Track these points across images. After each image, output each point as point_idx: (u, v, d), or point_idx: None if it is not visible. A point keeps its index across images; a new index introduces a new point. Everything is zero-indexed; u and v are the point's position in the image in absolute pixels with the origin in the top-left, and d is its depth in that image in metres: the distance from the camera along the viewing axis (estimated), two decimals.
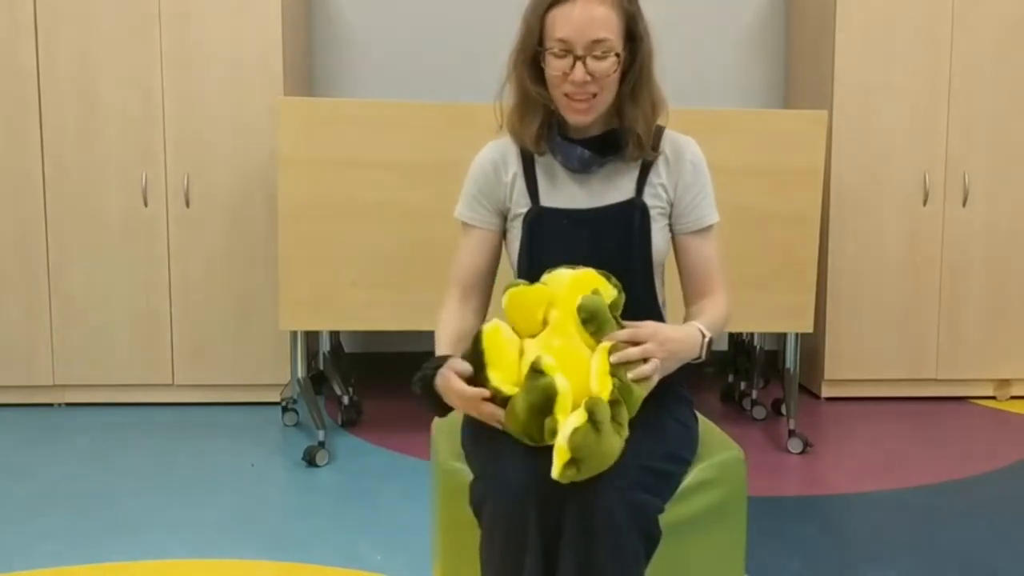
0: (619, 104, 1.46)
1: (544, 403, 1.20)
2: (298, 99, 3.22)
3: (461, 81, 3.78)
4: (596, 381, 1.23)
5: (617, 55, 1.40)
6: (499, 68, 1.53)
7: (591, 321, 1.27)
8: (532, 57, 1.45)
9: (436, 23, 3.87)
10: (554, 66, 1.41)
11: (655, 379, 1.27)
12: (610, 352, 1.25)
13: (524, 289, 1.32)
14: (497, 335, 1.29)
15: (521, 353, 1.29)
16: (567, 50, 1.39)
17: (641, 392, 1.25)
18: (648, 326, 1.31)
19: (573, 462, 1.16)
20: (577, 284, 1.31)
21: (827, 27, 3.51)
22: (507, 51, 1.51)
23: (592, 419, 1.16)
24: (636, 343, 1.27)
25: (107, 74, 3.24)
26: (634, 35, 1.43)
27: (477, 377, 1.28)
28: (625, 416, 1.22)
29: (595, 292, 1.30)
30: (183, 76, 3.25)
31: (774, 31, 4.01)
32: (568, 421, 1.17)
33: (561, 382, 1.21)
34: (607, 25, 1.39)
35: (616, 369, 1.23)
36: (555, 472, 1.16)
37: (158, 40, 3.24)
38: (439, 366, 1.35)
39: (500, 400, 1.26)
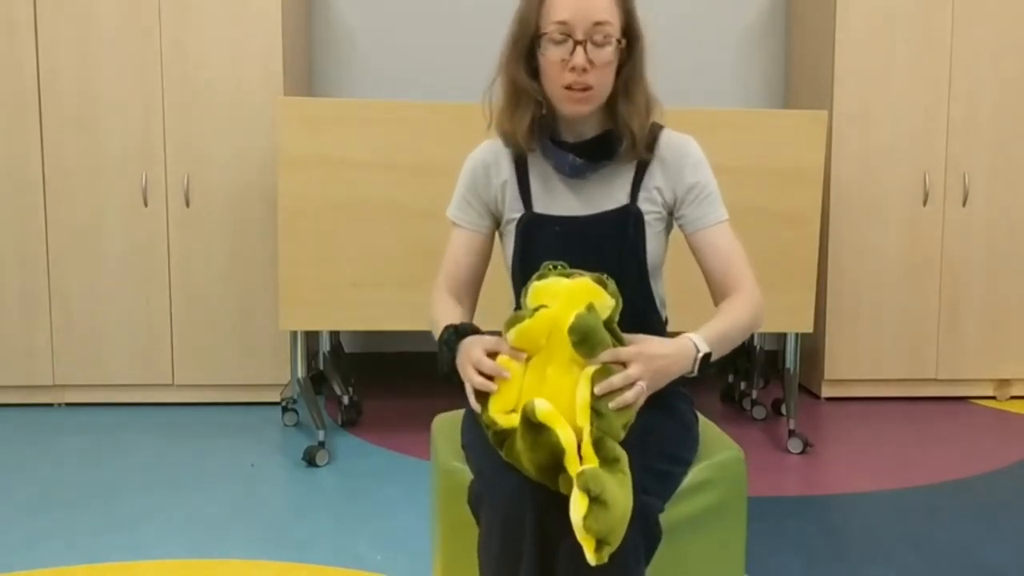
0: (612, 103, 1.44)
1: (552, 462, 1.18)
2: (298, 99, 3.23)
3: (461, 81, 3.75)
4: (578, 415, 1.20)
5: (618, 42, 1.39)
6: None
7: (583, 343, 1.23)
8: (528, 50, 1.42)
9: (436, 23, 3.87)
10: (553, 53, 1.38)
11: (640, 401, 1.24)
12: (594, 379, 1.21)
13: (528, 324, 1.26)
14: (509, 367, 1.27)
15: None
16: (567, 34, 1.36)
17: (625, 418, 1.22)
18: (633, 345, 1.27)
19: (601, 543, 1.13)
20: (572, 297, 1.27)
21: (827, 27, 3.51)
22: (508, 36, 1.48)
23: (593, 498, 1.12)
24: (621, 363, 1.23)
25: (107, 74, 3.24)
26: (630, 30, 1.42)
27: (482, 398, 1.28)
28: (613, 449, 1.19)
29: (590, 307, 1.25)
30: (183, 76, 3.25)
31: (774, 31, 4.01)
32: (572, 509, 1.13)
33: (564, 435, 1.17)
34: (608, 10, 1.38)
35: (598, 400, 1.20)
36: (591, 560, 1.13)
37: (158, 40, 3.24)
38: (474, 332, 1.36)
39: (495, 432, 1.25)
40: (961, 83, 3.47)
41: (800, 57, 3.84)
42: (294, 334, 3.02)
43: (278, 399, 3.39)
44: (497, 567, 1.24)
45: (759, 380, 3.46)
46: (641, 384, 1.23)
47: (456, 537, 1.41)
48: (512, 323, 1.28)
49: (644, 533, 1.23)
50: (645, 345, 1.28)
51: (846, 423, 3.31)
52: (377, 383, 3.79)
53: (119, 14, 3.22)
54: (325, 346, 3.46)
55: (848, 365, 3.57)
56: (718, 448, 1.49)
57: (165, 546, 2.17)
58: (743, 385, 3.52)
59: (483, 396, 1.27)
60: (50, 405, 3.41)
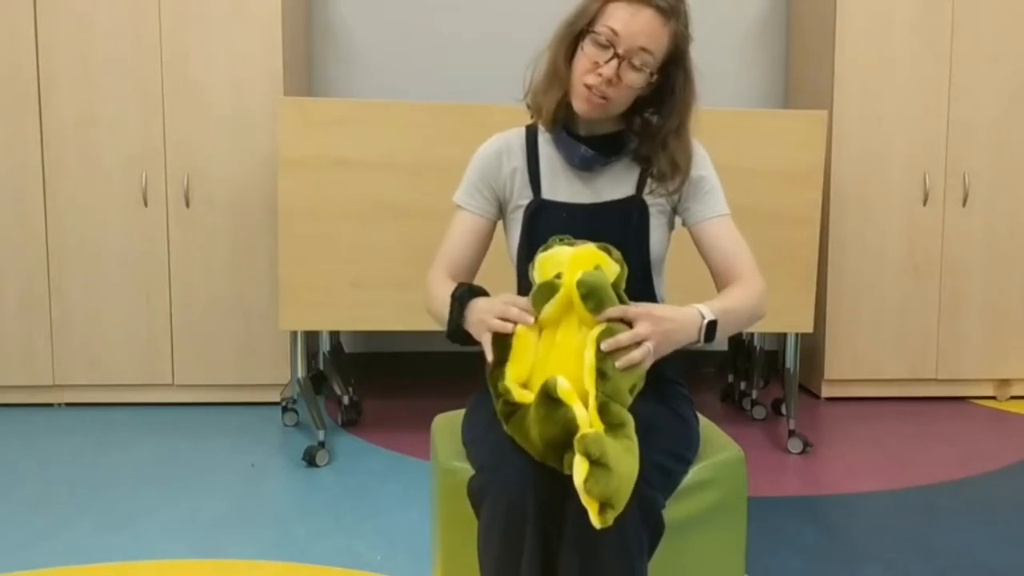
0: (663, 139, 1.47)
1: (562, 440, 1.18)
2: (298, 99, 3.22)
3: (461, 81, 3.78)
4: (585, 377, 1.20)
5: (651, 74, 1.42)
6: (500, 68, 1.53)
7: (590, 297, 1.23)
8: (574, 38, 1.45)
9: (436, 24, 3.87)
10: (591, 53, 1.42)
11: (648, 362, 1.24)
12: (599, 339, 1.21)
13: (562, 295, 1.26)
14: (527, 336, 1.27)
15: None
16: (611, 43, 1.40)
17: (632, 379, 1.22)
18: (641, 305, 1.28)
19: (604, 506, 1.13)
20: (579, 261, 1.28)
21: (827, 27, 3.51)
22: (506, 52, 1.52)
23: (593, 461, 1.13)
24: (628, 322, 1.24)
25: (107, 74, 3.24)
26: (675, 69, 1.45)
27: (497, 368, 1.27)
28: (619, 414, 1.19)
29: (597, 267, 1.27)
30: (183, 76, 3.25)
31: (774, 31, 4.01)
32: (574, 473, 1.14)
33: (580, 414, 1.17)
34: (658, 42, 1.41)
35: (604, 361, 1.20)
36: (596, 523, 1.13)
37: (158, 40, 3.24)
38: (485, 295, 1.38)
39: (506, 402, 1.25)
40: (961, 83, 3.47)
41: (800, 57, 3.84)
42: (294, 334, 3.01)
43: (278, 399, 3.39)
44: (499, 557, 1.23)
45: (759, 380, 3.46)
46: (648, 344, 1.23)
47: (456, 537, 1.41)
48: (542, 298, 1.27)
49: (647, 523, 1.23)
50: (652, 307, 1.29)
51: (846, 423, 3.31)
52: (377, 383, 3.80)
53: (119, 14, 3.22)
54: (325, 346, 3.46)
55: (848, 365, 3.58)
56: (718, 448, 1.49)
57: (165, 546, 2.17)
58: (743, 385, 3.52)
59: (499, 363, 1.27)
60: (50, 405, 3.41)
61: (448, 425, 1.59)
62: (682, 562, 1.40)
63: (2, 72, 3.22)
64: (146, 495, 2.51)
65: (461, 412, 1.56)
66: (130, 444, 2.97)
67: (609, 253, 1.30)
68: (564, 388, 1.18)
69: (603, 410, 1.18)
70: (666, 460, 1.34)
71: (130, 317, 3.34)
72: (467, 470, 1.37)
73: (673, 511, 1.33)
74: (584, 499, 1.13)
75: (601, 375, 1.20)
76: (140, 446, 2.95)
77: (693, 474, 1.41)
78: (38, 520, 2.32)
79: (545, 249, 1.34)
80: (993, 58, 3.47)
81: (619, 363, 1.20)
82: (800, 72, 3.84)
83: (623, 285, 1.30)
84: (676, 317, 1.30)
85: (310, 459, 2.77)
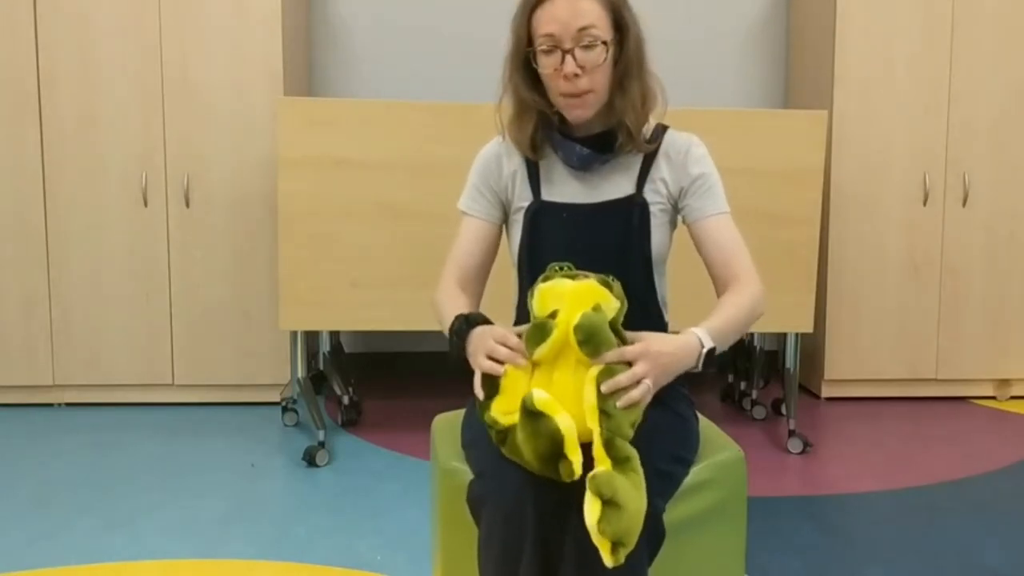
0: (610, 97, 1.46)
1: (553, 450, 1.18)
2: (298, 99, 3.22)
3: (461, 81, 3.78)
4: (587, 417, 1.20)
5: (604, 43, 1.41)
6: (499, 68, 1.53)
7: (588, 342, 1.22)
8: (524, 62, 1.46)
9: (436, 23, 3.87)
10: (545, 64, 1.42)
11: (647, 399, 1.24)
12: (598, 379, 1.21)
13: (557, 336, 1.24)
14: (517, 375, 1.26)
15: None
16: (555, 45, 1.40)
17: (634, 416, 1.22)
18: (639, 343, 1.26)
19: (616, 545, 1.13)
20: (579, 299, 1.26)
21: (827, 27, 3.51)
22: (506, 50, 1.51)
23: (605, 500, 1.13)
24: (627, 362, 1.23)
25: (107, 74, 3.24)
26: (621, 25, 1.44)
27: (486, 401, 1.27)
28: (623, 448, 1.19)
29: (596, 308, 1.25)
30: (183, 76, 3.26)
31: (774, 31, 4.01)
32: (586, 513, 1.13)
33: (564, 422, 1.18)
34: (591, 14, 1.40)
35: (605, 401, 1.20)
36: (608, 562, 1.13)
37: (158, 40, 3.24)
38: (484, 322, 1.37)
39: (497, 431, 1.25)
40: (961, 83, 3.47)
41: (800, 57, 3.84)
42: (294, 334, 3.02)
43: (278, 399, 3.39)
44: (497, 566, 1.23)
45: (759, 380, 3.46)
46: (647, 382, 1.23)
47: (456, 537, 1.41)
48: (537, 339, 1.25)
49: (649, 533, 1.23)
50: (650, 343, 1.27)
51: (846, 423, 3.31)
52: (377, 383, 3.80)
53: (119, 14, 3.22)
54: (325, 346, 3.46)
55: (848, 365, 3.58)
56: (718, 448, 1.49)
57: (165, 546, 2.17)
58: (743, 385, 3.52)
59: (488, 398, 1.27)
60: (50, 405, 3.41)
61: (448, 425, 1.59)
62: (682, 562, 1.40)
63: (2, 72, 3.22)
64: (146, 495, 2.51)
65: (461, 412, 1.56)
66: (130, 444, 2.97)
67: (610, 288, 1.28)
68: (541, 399, 1.18)
69: (609, 446, 1.18)
70: (667, 464, 1.34)
71: (130, 317, 3.34)
72: (467, 471, 1.37)
73: (673, 511, 1.33)
74: (596, 540, 1.13)
75: (604, 414, 1.20)
76: (140, 446, 2.95)
77: (693, 474, 1.41)
78: (38, 520, 2.33)
79: (545, 279, 1.31)
80: (993, 58, 3.47)
81: (620, 403, 1.20)
82: (800, 72, 3.84)
83: (621, 320, 1.28)
84: (674, 351, 1.29)
85: (310, 459, 2.77)
